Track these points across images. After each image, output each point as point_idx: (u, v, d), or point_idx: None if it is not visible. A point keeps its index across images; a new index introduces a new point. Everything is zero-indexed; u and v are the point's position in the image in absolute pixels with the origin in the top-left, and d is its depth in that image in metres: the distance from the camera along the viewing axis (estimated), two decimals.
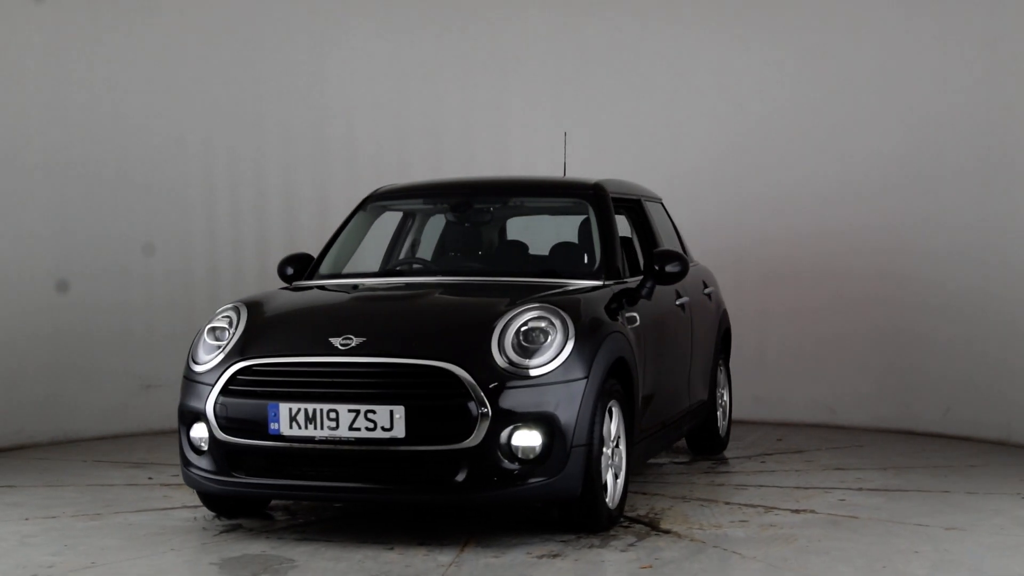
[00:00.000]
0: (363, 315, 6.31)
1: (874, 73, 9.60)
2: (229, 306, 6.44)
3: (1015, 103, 8.95)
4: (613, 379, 6.20)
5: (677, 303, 7.52)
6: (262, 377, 5.93)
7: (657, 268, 6.90)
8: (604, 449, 6.09)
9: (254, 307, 6.38)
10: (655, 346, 6.96)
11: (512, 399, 5.74)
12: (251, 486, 5.96)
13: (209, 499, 6.40)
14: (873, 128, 9.62)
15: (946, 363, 9.33)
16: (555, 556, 5.68)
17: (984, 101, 9.11)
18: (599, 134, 9.94)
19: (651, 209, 8.02)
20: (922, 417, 9.43)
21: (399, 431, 5.67)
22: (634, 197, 7.78)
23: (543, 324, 5.93)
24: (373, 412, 5.70)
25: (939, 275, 9.31)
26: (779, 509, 6.68)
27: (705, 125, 10.09)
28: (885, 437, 9.21)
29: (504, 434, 5.70)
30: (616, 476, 6.27)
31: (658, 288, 7.09)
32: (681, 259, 6.97)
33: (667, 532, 6.16)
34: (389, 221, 7.77)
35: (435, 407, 5.69)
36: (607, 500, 6.13)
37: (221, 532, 6.21)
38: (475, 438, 5.66)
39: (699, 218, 9.22)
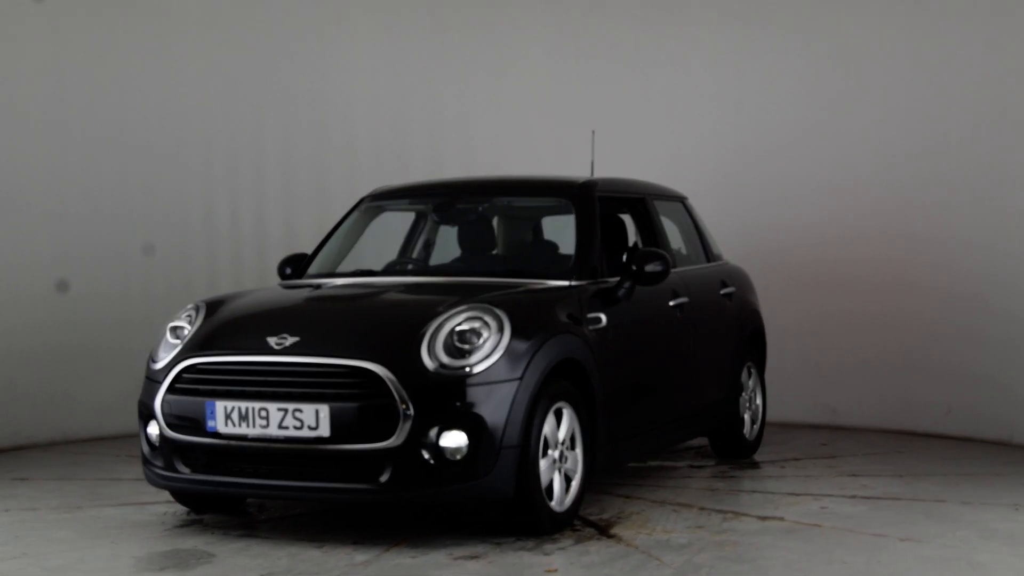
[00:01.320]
0: (304, 315, 6.37)
1: (882, 80, 9.37)
2: (191, 305, 6.58)
3: (1018, 106, 8.67)
4: (563, 380, 6.12)
5: (672, 303, 7.33)
6: (203, 375, 6.04)
7: (635, 268, 6.78)
8: (550, 451, 6.01)
9: (213, 306, 6.50)
10: (631, 347, 6.81)
11: (438, 400, 5.71)
12: (192, 482, 6.09)
13: (177, 495, 6.55)
14: (876, 133, 9.39)
15: (948, 364, 9.07)
16: (472, 558, 5.62)
17: (988, 106, 8.85)
18: (612, 133, 9.76)
19: (663, 208, 7.86)
20: (924, 418, 9.15)
21: (324, 430, 5.70)
22: (637, 196, 7.64)
23: (477, 325, 5.88)
24: (300, 411, 5.75)
25: (941, 278, 9.10)
26: (748, 516, 6.48)
27: (708, 124, 9.98)
28: (932, 443, 8.83)
29: (431, 434, 5.68)
30: (569, 479, 6.18)
31: (649, 288, 6.95)
32: (663, 259, 6.81)
33: (611, 536, 6.03)
34: (391, 222, 7.79)
35: (359, 407, 5.70)
36: (552, 503, 6.04)
37: (176, 527, 6.33)
38: (398, 438, 5.64)
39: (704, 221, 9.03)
